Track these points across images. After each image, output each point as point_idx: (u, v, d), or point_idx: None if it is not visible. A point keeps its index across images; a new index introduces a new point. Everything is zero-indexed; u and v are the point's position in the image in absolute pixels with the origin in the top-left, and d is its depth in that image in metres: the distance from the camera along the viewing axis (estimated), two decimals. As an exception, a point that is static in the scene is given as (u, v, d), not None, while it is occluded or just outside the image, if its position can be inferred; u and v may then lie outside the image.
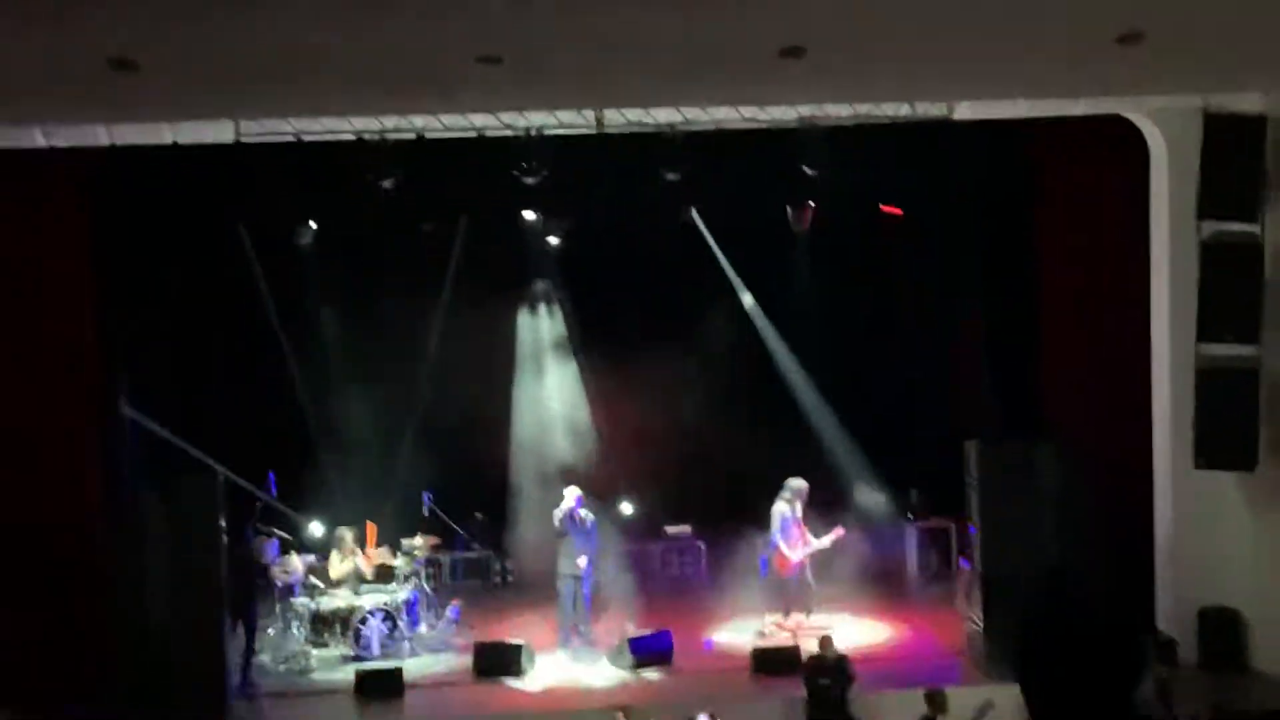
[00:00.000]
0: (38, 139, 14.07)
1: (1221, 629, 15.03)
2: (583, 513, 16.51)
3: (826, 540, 16.70)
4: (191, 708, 14.14)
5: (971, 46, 11.56)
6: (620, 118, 14.95)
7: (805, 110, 14.91)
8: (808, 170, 15.19)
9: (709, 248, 18.95)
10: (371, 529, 17.54)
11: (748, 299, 19.85)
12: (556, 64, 11.77)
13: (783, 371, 19.96)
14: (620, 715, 13.21)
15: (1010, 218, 17.04)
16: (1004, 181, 16.49)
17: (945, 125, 15.25)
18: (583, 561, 16.39)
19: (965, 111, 15.11)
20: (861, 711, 13.10)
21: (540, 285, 20.41)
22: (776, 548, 16.61)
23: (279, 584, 16.41)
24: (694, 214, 18.16)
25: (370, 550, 17.26)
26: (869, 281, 19.54)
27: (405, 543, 17.39)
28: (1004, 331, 18.03)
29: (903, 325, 19.88)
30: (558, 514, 16.47)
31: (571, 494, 16.60)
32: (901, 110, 15.15)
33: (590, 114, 14.80)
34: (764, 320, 19.99)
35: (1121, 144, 15.53)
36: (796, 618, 16.63)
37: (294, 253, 17.63)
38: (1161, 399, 15.55)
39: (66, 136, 14.18)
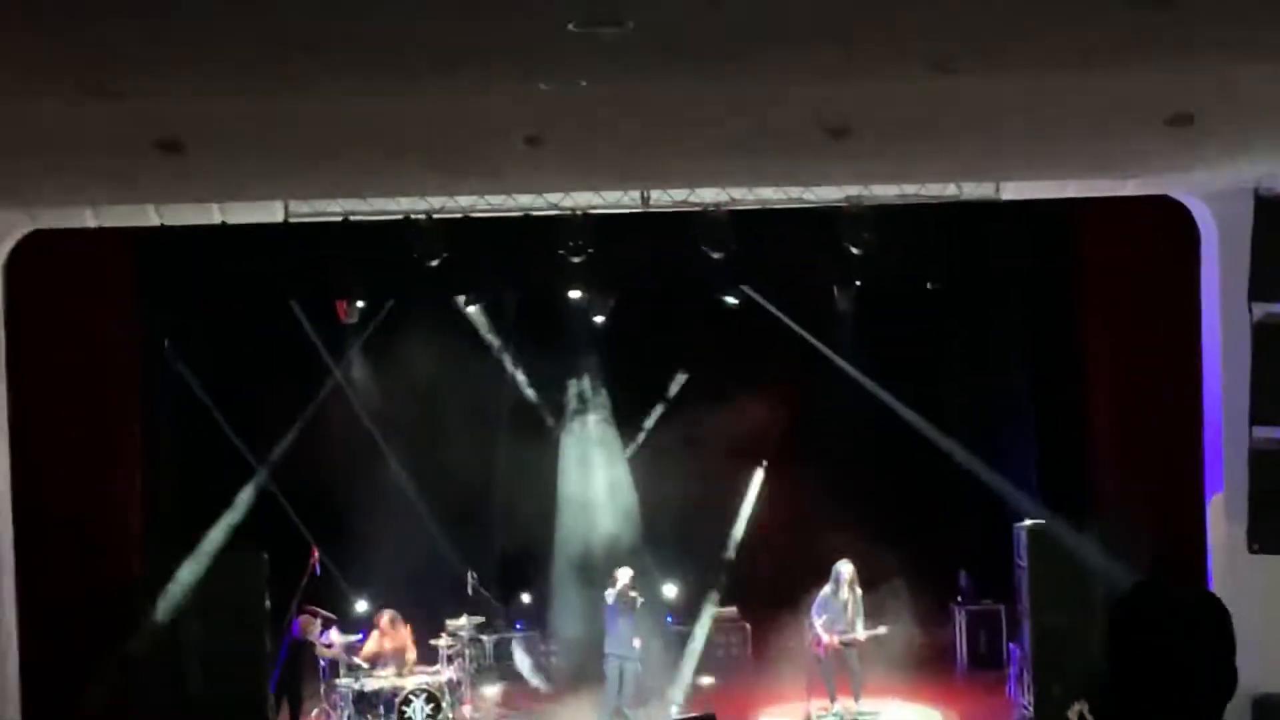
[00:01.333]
0: (88, 219, 14.23)
1: (1277, 718, 14.72)
2: (634, 593, 16.42)
3: (863, 635, 16.49)
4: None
5: (1017, 128, 11.52)
6: (665, 197, 15.00)
7: (851, 190, 14.91)
8: (853, 250, 15.15)
9: (754, 326, 18.79)
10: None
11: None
12: (601, 145, 11.81)
13: (829, 451, 19.77)
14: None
15: (1058, 298, 16.93)
16: (1052, 262, 16.39)
17: (992, 206, 15.22)
18: (638, 642, 16.31)
19: (1012, 192, 15.07)
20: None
21: (585, 363, 20.35)
22: (814, 630, 16.45)
23: (322, 663, 16.34)
24: (749, 291, 17.94)
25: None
26: (914, 362, 19.38)
27: (450, 623, 17.28)
28: (1052, 412, 17.87)
29: (949, 406, 19.68)
30: (611, 594, 16.38)
31: (625, 574, 16.54)
32: (948, 190, 15.12)
33: (635, 193, 14.86)
34: (810, 399, 19.80)
35: (1170, 224, 15.42)
36: (844, 702, 16.40)
37: (340, 329, 17.72)
38: (1214, 482, 15.34)
39: (116, 216, 14.32)
